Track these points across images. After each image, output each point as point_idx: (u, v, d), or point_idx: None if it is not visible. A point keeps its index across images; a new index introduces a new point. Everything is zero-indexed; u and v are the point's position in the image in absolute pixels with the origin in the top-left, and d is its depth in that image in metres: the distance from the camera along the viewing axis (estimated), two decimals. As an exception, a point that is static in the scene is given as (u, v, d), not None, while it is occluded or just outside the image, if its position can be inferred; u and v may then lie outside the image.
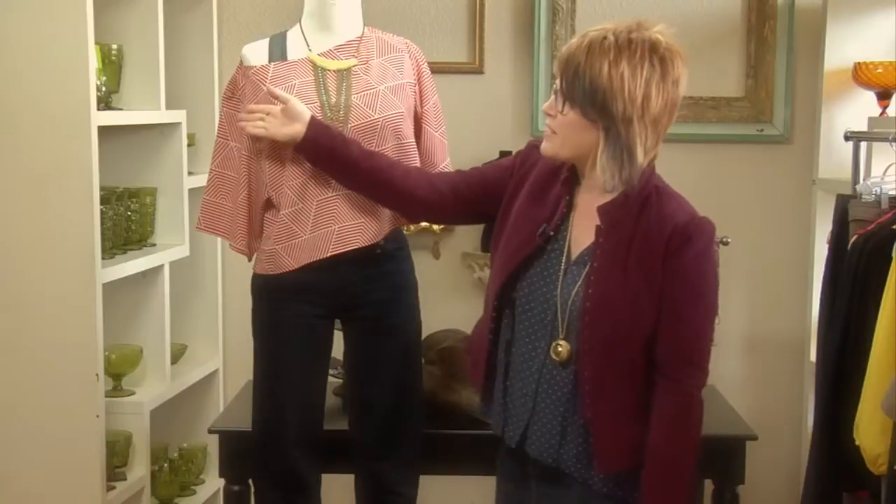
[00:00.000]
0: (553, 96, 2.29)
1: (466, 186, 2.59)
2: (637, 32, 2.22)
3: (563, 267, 2.31)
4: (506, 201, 2.46)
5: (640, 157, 2.22)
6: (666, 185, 2.33)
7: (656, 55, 2.22)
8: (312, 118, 2.70)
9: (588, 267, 2.28)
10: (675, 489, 2.28)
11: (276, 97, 2.72)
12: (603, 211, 2.29)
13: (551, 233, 2.34)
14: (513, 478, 2.45)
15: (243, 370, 3.34)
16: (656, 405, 2.27)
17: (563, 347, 2.28)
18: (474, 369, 2.50)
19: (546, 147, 2.32)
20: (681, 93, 2.28)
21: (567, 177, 2.35)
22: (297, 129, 2.69)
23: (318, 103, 2.79)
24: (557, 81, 2.27)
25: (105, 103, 3.24)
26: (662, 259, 2.23)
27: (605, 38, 2.20)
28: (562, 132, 2.27)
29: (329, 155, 2.70)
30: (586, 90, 2.20)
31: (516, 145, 3.83)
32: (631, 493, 2.30)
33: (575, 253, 2.32)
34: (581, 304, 2.26)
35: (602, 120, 2.21)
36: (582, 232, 2.32)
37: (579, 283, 2.28)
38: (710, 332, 2.32)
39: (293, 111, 2.70)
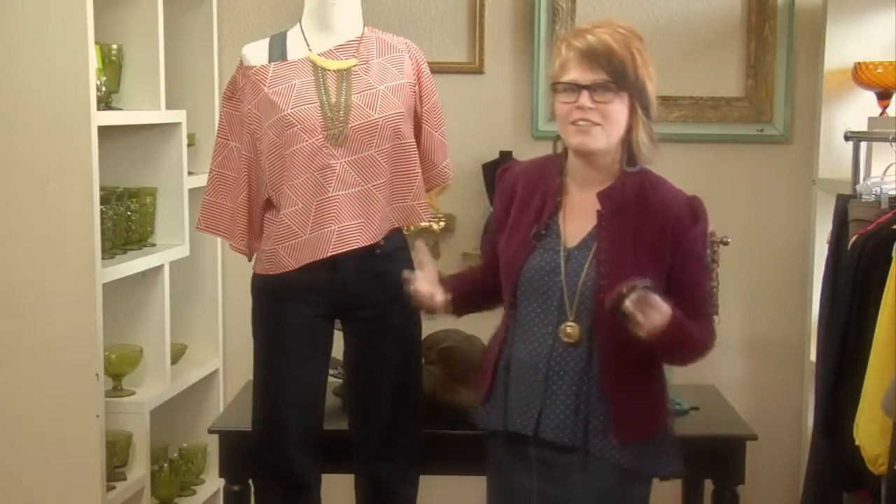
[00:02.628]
0: (581, 92, 2.39)
1: (488, 260, 2.68)
2: (621, 22, 2.47)
3: (562, 256, 2.45)
4: (503, 222, 2.59)
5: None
6: (650, 169, 2.52)
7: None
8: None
9: (594, 249, 2.44)
10: (684, 338, 2.41)
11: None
12: (603, 196, 2.46)
13: (543, 231, 2.48)
14: (510, 465, 2.53)
15: (243, 370, 3.34)
16: None
17: (572, 328, 2.43)
18: (482, 381, 2.60)
19: (592, 140, 2.42)
20: None
21: (559, 180, 2.51)
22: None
23: (318, 103, 2.79)
24: (585, 76, 2.39)
25: (105, 103, 3.24)
26: (672, 236, 2.43)
27: (618, 32, 2.42)
28: (610, 119, 2.41)
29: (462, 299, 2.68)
30: (632, 76, 2.40)
31: (516, 145, 3.87)
32: (642, 463, 2.46)
33: (574, 241, 2.46)
34: (595, 284, 2.41)
35: (639, 100, 2.43)
36: (577, 222, 2.48)
37: (587, 265, 2.43)
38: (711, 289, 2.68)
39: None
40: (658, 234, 2.43)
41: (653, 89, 2.45)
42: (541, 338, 2.46)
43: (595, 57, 2.39)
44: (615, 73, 2.38)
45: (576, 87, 2.40)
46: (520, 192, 2.56)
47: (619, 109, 2.40)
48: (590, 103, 2.39)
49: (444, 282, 2.66)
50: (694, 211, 2.46)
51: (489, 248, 2.67)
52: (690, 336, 2.42)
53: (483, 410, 2.59)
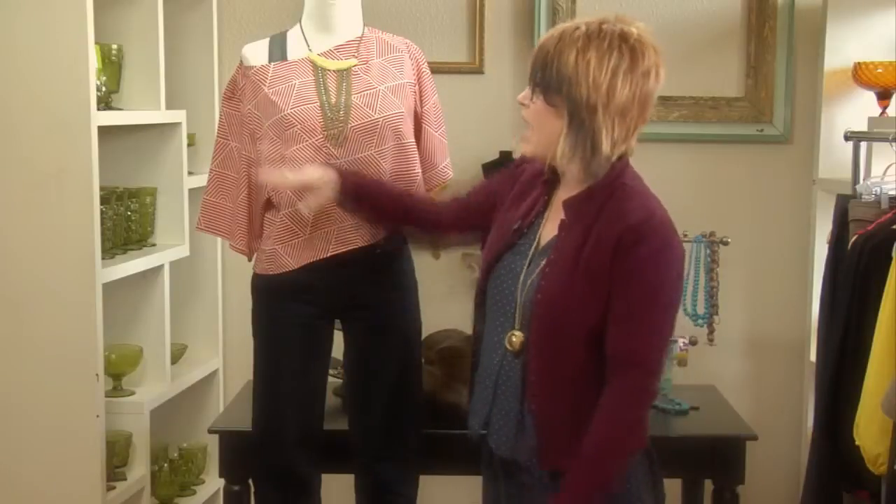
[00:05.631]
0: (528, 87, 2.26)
1: (474, 192, 2.58)
2: (609, 24, 2.20)
3: (529, 260, 2.29)
4: (498, 211, 2.45)
5: (606, 149, 2.18)
6: (637, 182, 2.26)
7: (626, 45, 2.18)
8: (334, 169, 2.61)
9: (546, 259, 2.25)
10: (592, 472, 2.18)
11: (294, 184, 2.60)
12: (567, 205, 2.26)
13: (525, 230, 2.33)
14: (486, 471, 2.45)
15: (243, 370, 3.34)
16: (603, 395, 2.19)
17: (516, 337, 2.27)
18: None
19: (525, 144, 2.29)
20: (653, 86, 2.22)
21: (548, 178, 2.33)
22: (329, 185, 2.58)
23: (318, 103, 2.79)
24: (530, 72, 2.25)
25: (105, 103, 3.24)
26: (611, 257, 2.17)
27: (577, 28, 2.19)
28: (533, 122, 2.25)
29: (364, 189, 2.62)
30: (552, 77, 2.18)
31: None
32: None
33: (541, 247, 2.30)
34: (534, 295, 2.24)
35: (566, 105, 2.18)
36: (552, 227, 2.30)
37: (535, 274, 2.26)
38: (666, 332, 2.23)
39: (310, 182, 2.57)
40: (600, 251, 2.17)
41: (619, 110, 2.17)
42: (496, 345, 2.32)
43: (533, 54, 2.24)
44: (544, 79, 2.19)
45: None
46: (520, 183, 2.40)
47: (537, 114, 2.23)
48: (524, 99, 2.27)
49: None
50: (640, 231, 2.16)
51: (478, 187, 2.57)
52: (613, 451, 2.17)
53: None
